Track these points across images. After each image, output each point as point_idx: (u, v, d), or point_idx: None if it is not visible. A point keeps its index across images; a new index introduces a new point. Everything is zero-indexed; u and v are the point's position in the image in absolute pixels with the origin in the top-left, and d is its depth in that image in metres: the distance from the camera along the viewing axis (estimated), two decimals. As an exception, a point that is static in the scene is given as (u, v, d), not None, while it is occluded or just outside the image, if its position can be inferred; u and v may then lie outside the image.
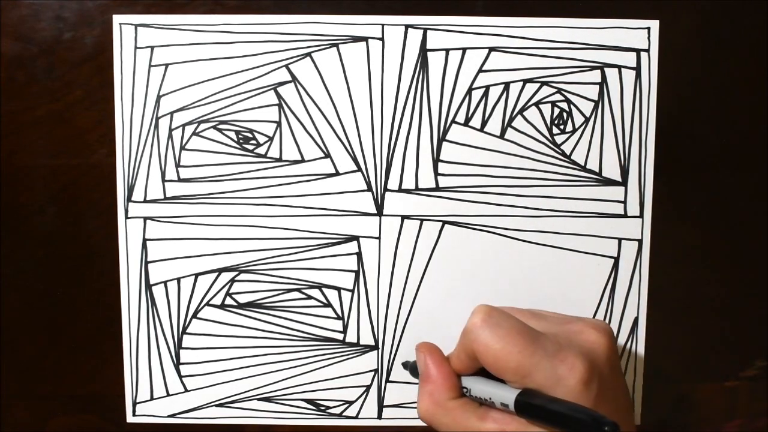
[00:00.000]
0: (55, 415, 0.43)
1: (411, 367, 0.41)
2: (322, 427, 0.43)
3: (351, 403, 0.43)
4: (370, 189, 0.42)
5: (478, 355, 0.33)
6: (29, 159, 0.42)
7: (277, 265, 0.42)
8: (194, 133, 0.41)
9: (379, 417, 0.43)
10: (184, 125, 0.41)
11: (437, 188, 0.42)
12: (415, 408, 0.43)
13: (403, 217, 0.42)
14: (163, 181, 0.42)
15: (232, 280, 0.42)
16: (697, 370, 0.43)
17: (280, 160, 0.42)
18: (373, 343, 0.43)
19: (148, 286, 0.42)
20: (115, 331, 0.42)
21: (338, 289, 0.42)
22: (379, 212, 0.42)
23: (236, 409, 0.43)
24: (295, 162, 0.42)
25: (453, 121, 0.41)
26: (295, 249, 0.42)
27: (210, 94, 0.41)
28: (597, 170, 0.42)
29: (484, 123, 0.42)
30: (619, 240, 0.42)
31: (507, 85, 0.41)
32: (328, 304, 0.42)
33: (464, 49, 0.41)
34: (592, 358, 0.32)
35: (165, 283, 0.42)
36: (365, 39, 0.41)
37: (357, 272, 0.42)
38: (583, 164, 0.42)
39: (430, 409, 0.35)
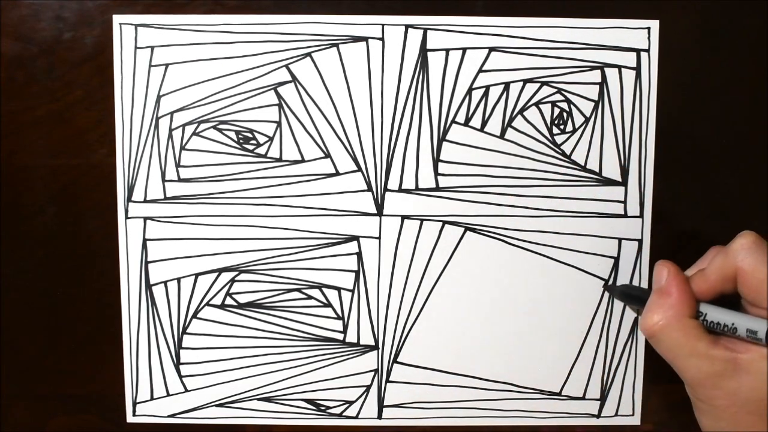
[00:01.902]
0: (55, 415, 0.43)
1: (620, 292, 0.41)
2: (322, 427, 0.43)
3: (351, 403, 0.43)
4: (370, 189, 0.42)
5: (740, 277, 0.32)
6: (29, 159, 0.42)
7: (277, 265, 0.42)
8: (194, 133, 0.41)
9: (379, 417, 0.43)
10: (184, 125, 0.41)
11: (437, 188, 0.42)
12: (416, 408, 0.43)
13: (403, 217, 0.42)
14: (163, 181, 0.42)
15: (232, 280, 0.42)
16: (697, 370, 0.43)
17: (280, 160, 0.42)
18: (373, 343, 0.43)
19: (148, 286, 0.42)
20: (115, 331, 0.42)
21: (338, 289, 0.42)
22: (379, 212, 0.42)
23: (236, 409, 0.43)
24: (295, 162, 0.42)
25: (453, 121, 0.41)
26: (295, 249, 0.42)
27: (210, 94, 0.41)
28: (597, 170, 0.42)
29: (484, 123, 0.42)
30: (619, 240, 0.42)
31: (507, 85, 0.41)
32: (328, 304, 0.42)
33: (464, 49, 0.41)
34: None
35: (165, 283, 0.42)
36: (365, 39, 0.41)
37: (357, 272, 0.42)
38: (583, 164, 0.42)
39: (661, 322, 0.34)
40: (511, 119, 0.42)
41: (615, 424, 0.43)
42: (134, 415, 0.43)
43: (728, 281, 0.33)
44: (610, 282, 0.42)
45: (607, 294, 0.42)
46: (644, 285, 0.42)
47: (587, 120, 0.42)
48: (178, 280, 0.42)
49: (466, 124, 0.42)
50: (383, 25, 0.41)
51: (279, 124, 0.41)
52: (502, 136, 0.42)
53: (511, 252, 0.42)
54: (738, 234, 0.34)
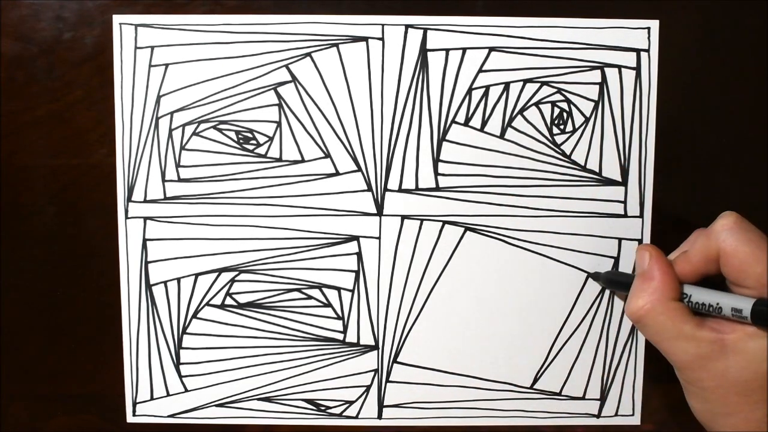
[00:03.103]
0: (55, 415, 0.43)
1: (605, 278, 0.41)
2: (322, 427, 0.43)
3: (351, 403, 0.43)
4: (370, 189, 0.42)
5: (722, 257, 0.32)
6: (29, 159, 0.42)
7: (277, 265, 0.42)
8: (194, 133, 0.41)
9: (379, 417, 0.43)
10: (184, 125, 0.41)
11: (437, 188, 0.42)
12: (416, 408, 0.43)
13: (403, 217, 0.42)
14: (163, 181, 0.42)
15: (232, 280, 0.42)
16: (697, 370, 0.43)
17: (280, 160, 0.42)
18: (373, 343, 0.43)
19: (148, 286, 0.42)
20: (115, 331, 0.42)
21: (338, 289, 0.42)
22: (379, 212, 0.42)
23: (236, 409, 0.43)
24: (295, 162, 0.42)
25: (453, 121, 0.41)
26: (295, 249, 0.42)
27: (210, 94, 0.41)
28: (597, 170, 0.42)
29: (484, 123, 0.42)
30: (619, 240, 0.42)
31: (507, 85, 0.41)
32: (328, 304, 0.42)
33: (464, 49, 0.41)
34: None
35: (165, 283, 0.42)
36: (365, 39, 0.41)
37: (357, 272, 0.42)
38: (583, 164, 0.42)
39: (646, 306, 0.34)
40: (511, 119, 0.42)
41: (615, 424, 0.43)
42: (134, 415, 0.43)
43: (711, 262, 0.33)
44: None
45: (607, 293, 0.42)
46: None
47: (587, 120, 0.42)
48: (178, 280, 0.42)
49: (466, 124, 0.42)
50: (383, 25, 0.41)
51: (279, 124, 0.41)
52: (502, 136, 0.42)
53: (511, 252, 0.42)
54: (720, 215, 0.33)
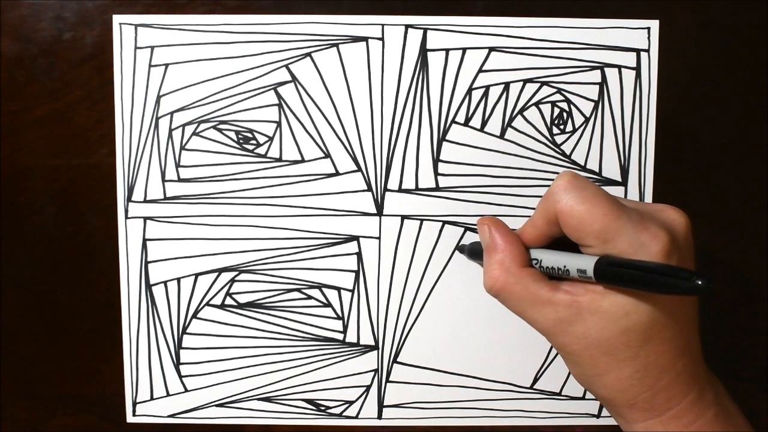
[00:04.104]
0: (55, 415, 0.43)
1: (468, 250, 0.40)
2: (322, 427, 0.43)
3: (351, 403, 0.43)
4: (370, 189, 0.42)
5: (560, 218, 0.31)
6: (29, 159, 0.42)
7: (277, 265, 0.42)
8: (194, 133, 0.41)
9: (379, 417, 0.43)
10: (184, 125, 0.41)
11: (437, 188, 0.42)
12: (416, 408, 0.43)
13: (403, 217, 0.42)
14: (163, 181, 0.42)
15: (232, 280, 0.42)
16: (697, 370, 0.43)
17: (280, 160, 0.42)
18: (373, 343, 0.43)
19: (148, 286, 0.42)
20: (115, 331, 0.42)
21: (338, 289, 0.42)
22: (379, 212, 0.42)
23: (236, 409, 0.43)
24: (295, 162, 0.42)
25: (453, 121, 0.41)
26: (295, 249, 0.42)
27: (210, 94, 0.41)
28: (597, 170, 0.42)
29: (484, 123, 0.42)
30: (619, 240, 0.42)
31: (507, 85, 0.41)
32: (328, 304, 0.42)
33: (464, 49, 0.41)
34: (673, 232, 0.30)
35: (165, 283, 0.42)
36: (365, 39, 0.41)
37: (357, 272, 0.42)
38: (583, 164, 0.42)
39: (500, 278, 0.33)
40: (511, 119, 0.42)
41: (615, 424, 0.43)
42: (134, 415, 0.43)
43: (553, 224, 0.32)
44: None
45: None
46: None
47: (587, 120, 0.42)
48: (178, 280, 0.42)
49: (466, 124, 0.42)
50: (383, 25, 0.41)
51: (279, 124, 0.41)
52: (502, 136, 0.42)
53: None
54: (558, 176, 0.32)
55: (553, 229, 0.33)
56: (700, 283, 0.26)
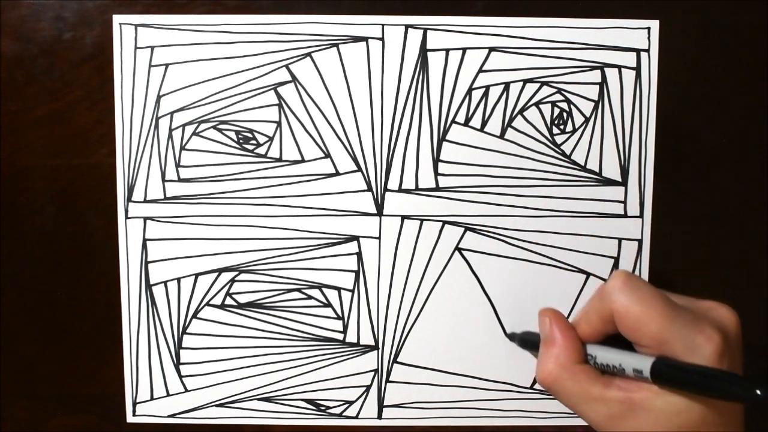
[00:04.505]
0: (55, 415, 0.43)
1: (519, 339, 0.41)
2: (322, 427, 0.43)
3: (351, 403, 0.43)
4: (370, 189, 0.42)
5: (616, 318, 0.32)
6: (29, 159, 0.42)
7: (277, 265, 0.42)
8: (194, 133, 0.41)
9: (379, 417, 0.43)
10: (184, 125, 0.41)
11: (437, 188, 0.42)
12: (416, 408, 0.43)
13: (403, 217, 0.42)
14: (163, 181, 0.42)
15: (232, 280, 0.42)
16: (697, 370, 0.43)
17: (280, 160, 0.42)
18: (373, 343, 0.43)
19: (148, 286, 0.42)
20: (115, 331, 0.42)
21: (338, 289, 0.42)
22: (379, 212, 0.42)
23: (236, 409, 0.43)
24: (295, 162, 0.42)
25: (453, 121, 0.41)
26: (295, 249, 0.42)
27: (210, 94, 0.41)
28: (597, 170, 0.42)
29: (484, 123, 0.42)
30: (619, 240, 0.42)
31: (507, 85, 0.41)
32: (328, 304, 0.42)
33: (464, 49, 0.41)
34: (725, 332, 0.31)
35: (165, 283, 0.42)
36: (365, 39, 0.41)
37: (357, 272, 0.42)
38: (583, 164, 0.42)
39: (553, 372, 0.34)
40: (511, 119, 0.42)
41: (615, 424, 0.43)
42: (134, 415, 0.43)
43: (608, 323, 0.33)
44: None
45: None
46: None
47: (587, 120, 0.42)
48: (178, 280, 0.42)
49: (466, 124, 0.42)
50: (383, 25, 0.41)
51: (279, 124, 0.41)
52: (502, 136, 0.42)
53: (512, 252, 0.42)
54: (611, 275, 0.33)
55: (608, 327, 0.33)
56: (759, 392, 0.27)
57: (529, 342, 0.40)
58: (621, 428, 0.32)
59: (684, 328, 0.31)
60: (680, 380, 0.30)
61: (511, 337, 0.42)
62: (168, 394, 0.43)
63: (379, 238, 0.42)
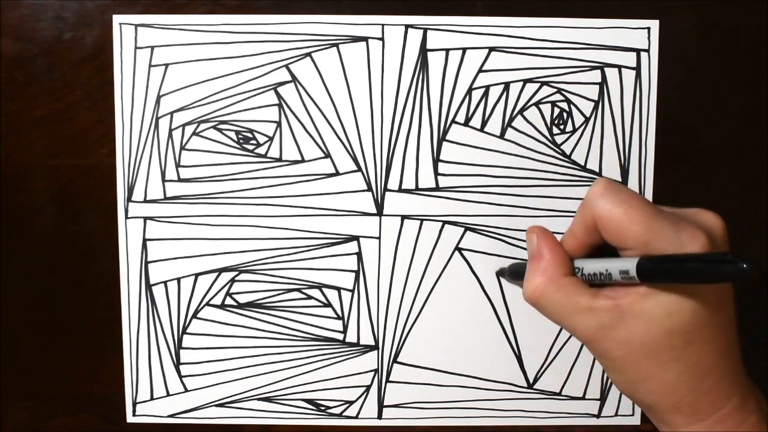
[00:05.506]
0: (55, 415, 0.43)
1: (508, 272, 0.40)
2: (322, 427, 0.43)
3: (351, 403, 0.43)
4: (370, 189, 0.42)
5: (599, 223, 0.32)
6: (29, 159, 0.42)
7: (277, 265, 0.42)
8: (194, 133, 0.41)
9: (379, 417, 0.43)
10: (184, 125, 0.41)
11: (437, 188, 0.42)
12: (416, 408, 0.43)
13: (403, 217, 0.42)
14: (163, 181, 0.42)
15: (232, 280, 0.42)
16: (697, 370, 0.43)
17: (280, 160, 0.42)
18: (373, 343, 0.43)
19: (148, 286, 0.42)
20: (115, 331, 0.42)
21: (338, 289, 0.42)
22: (379, 212, 0.42)
23: (236, 409, 0.43)
24: (295, 162, 0.42)
25: (453, 121, 0.41)
26: (295, 249, 0.42)
27: (210, 94, 0.41)
28: (597, 170, 0.42)
29: (484, 123, 0.42)
30: (619, 240, 0.42)
31: (507, 85, 0.41)
32: (328, 304, 0.42)
33: (464, 49, 0.41)
34: (710, 233, 0.30)
35: (165, 283, 0.42)
36: (365, 39, 0.41)
37: (357, 272, 0.42)
38: (583, 164, 0.42)
39: (540, 286, 0.33)
40: (511, 119, 0.42)
41: (615, 424, 0.43)
42: (134, 415, 0.43)
43: (593, 231, 0.32)
44: None
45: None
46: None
47: (587, 120, 0.42)
48: (178, 280, 0.42)
49: (466, 124, 0.42)
50: (383, 25, 0.41)
51: (279, 124, 0.41)
52: (502, 136, 0.42)
53: (511, 252, 0.42)
54: (593, 182, 0.33)
55: (593, 237, 0.33)
56: (745, 265, 0.25)
57: (518, 273, 0.39)
58: (612, 339, 0.31)
59: (667, 227, 0.30)
60: (666, 272, 0.29)
61: (501, 273, 0.42)
62: (168, 394, 0.43)
63: (379, 238, 0.42)
